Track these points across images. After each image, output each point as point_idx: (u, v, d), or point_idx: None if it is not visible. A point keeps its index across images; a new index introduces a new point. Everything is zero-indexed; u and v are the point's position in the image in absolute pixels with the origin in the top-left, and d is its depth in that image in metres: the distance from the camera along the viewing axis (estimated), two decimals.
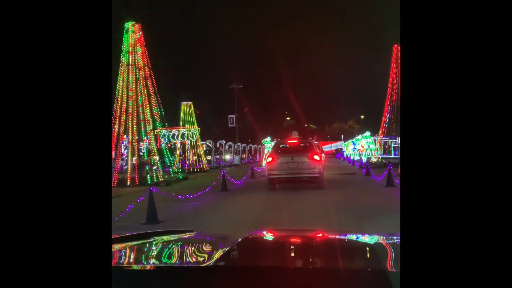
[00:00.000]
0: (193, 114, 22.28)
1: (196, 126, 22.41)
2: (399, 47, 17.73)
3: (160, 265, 1.23)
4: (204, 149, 25.84)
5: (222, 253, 1.33)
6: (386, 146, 25.53)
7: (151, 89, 14.32)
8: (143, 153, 14.37)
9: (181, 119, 22.16)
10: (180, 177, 15.64)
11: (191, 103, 22.25)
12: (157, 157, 14.39)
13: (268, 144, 25.19)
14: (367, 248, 1.52)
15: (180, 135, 21.69)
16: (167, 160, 15.66)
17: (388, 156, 23.37)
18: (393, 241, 1.54)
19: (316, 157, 10.26)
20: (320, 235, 1.78)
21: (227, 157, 30.69)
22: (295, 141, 11.53)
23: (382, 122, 19.57)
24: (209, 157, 26.71)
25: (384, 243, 1.57)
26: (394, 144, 23.40)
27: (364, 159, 21.36)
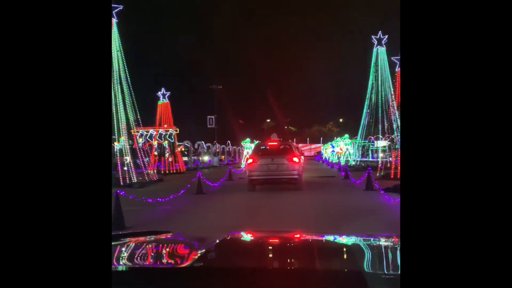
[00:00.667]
0: (170, 114, 21.70)
1: (174, 126, 21.85)
2: (379, 51, 17.85)
3: (135, 266, 1.21)
4: (183, 149, 25.28)
5: (200, 254, 1.32)
6: (364, 149, 25.77)
7: (125, 87, 13.85)
8: (115, 153, 13.78)
9: (158, 118, 21.55)
10: (155, 178, 15.14)
11: (168, 102, 21.68)
12: (128, 158, 13.83)
13: (248, 147, 24.89)
14: (344, 249, 1.53)
15: (158, 135, 21.05)
16: (138, 161, 15.09)
17: (366, 159, 23.57)
18: (369, 242, 1.57)
19: (295, 159, 10.49)
20: (298, 236, 1.77)
21: (206, 158, 30.18)
22: (275, 143, 11.77)
23: (361, 126, 19.65)
24: (186, 158, 26.10)
25: (361, 244, 1.57)
26: (372, 147, 23.61)
27: (343, 162, 21.40)
